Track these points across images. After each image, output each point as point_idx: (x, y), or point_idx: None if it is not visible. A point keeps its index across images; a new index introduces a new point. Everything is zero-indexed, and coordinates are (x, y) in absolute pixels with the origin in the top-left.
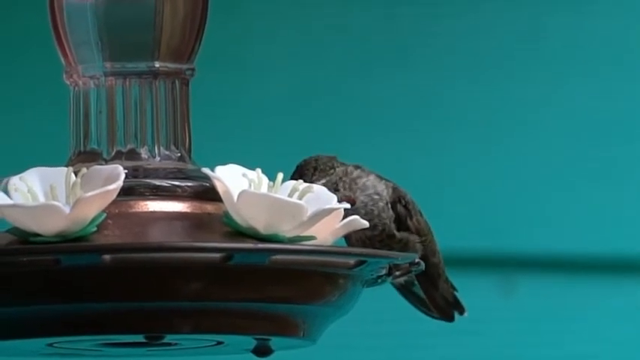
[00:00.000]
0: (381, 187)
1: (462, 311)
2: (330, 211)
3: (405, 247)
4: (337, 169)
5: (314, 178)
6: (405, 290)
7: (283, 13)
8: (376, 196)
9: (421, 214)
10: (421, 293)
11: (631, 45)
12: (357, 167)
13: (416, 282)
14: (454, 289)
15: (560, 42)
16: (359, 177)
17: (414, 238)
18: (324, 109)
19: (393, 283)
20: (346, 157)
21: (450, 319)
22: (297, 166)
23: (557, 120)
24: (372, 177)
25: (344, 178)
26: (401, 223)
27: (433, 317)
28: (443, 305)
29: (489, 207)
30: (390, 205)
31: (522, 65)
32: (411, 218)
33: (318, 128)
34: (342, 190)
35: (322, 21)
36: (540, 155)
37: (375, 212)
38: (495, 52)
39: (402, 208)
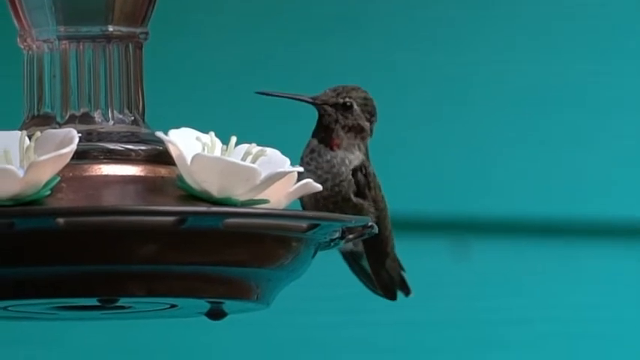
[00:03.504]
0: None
1: (407, 292)
2: (283, 174)
3: (358, 213)
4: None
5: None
6: (353, 263)
7: None
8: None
9: (380, 189)
10: (368, 268)
11: (583, 9)
12: None
13: (364, 255)
14: (402, 268)
15: (514, 6)
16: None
17: (368, 206)
18: (277, 73)
19: (344, 255)
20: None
21: (393, 298)
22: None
23: (509, 84)
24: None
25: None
26: (359, 190)
27: (377, 294)
28: (387, 282)
29: (442, 170)
30: (351, 171)
31: (473, 30)
32: (370, 189)
33: None
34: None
35: None
36: (493, 118)
37: (344, 173)
38: (447, 17)
39: (361, 177)
